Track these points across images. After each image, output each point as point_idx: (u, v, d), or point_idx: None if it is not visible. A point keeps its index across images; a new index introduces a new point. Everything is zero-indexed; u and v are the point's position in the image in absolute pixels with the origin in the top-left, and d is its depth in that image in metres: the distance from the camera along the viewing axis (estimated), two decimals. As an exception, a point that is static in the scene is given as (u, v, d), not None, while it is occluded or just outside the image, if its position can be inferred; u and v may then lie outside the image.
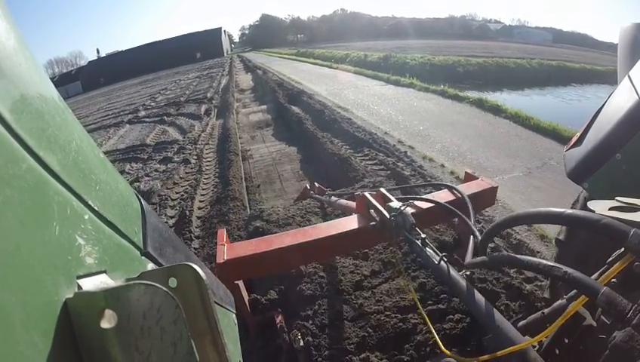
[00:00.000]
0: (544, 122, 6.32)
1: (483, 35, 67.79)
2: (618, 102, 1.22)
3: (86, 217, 0.33)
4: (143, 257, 0.44)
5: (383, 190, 1.52)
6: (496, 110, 7.21)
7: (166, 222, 3.59)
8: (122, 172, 5.54)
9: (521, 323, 0.94)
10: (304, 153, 5.53)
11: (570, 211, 0.73)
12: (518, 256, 0.84)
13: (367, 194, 1.47)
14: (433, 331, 1.04)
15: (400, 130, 6.00)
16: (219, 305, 0.63)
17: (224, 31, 71.24)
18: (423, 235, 1.15)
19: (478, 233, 1.15)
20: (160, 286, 0.31)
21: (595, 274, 0.75)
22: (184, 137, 7.09)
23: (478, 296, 0.92)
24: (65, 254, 0.29)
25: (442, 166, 4.32)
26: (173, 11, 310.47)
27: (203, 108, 10.22)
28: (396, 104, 8.20)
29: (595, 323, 0.72)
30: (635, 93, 1.13)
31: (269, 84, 12.80)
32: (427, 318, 1.10)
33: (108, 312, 0.29)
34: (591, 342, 0.71)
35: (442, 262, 1.03)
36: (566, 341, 0.73)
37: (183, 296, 0.35)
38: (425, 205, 1.51)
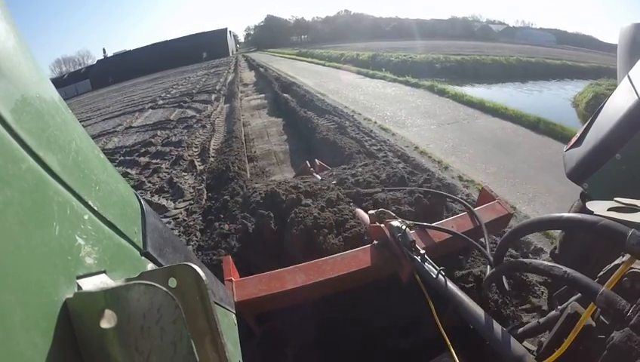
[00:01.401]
0: (475, 98, 8.29)
1: (485, 36, 68.05)
2: (618, 102, 1.22)
3: (86, 217, 0.33)
4: (143, 257, 0.45)
5: (401, 221, 1.40)
6: (442, 92, 9.24)
7: (193, 153, 5.75)
8: (154, 136, 7.69)
9: (519, 331, 0.96)
10: (286, 121, 7.68)
11: (568, 215, 0.74)
12: (519, 260, 0.94)
13: (383, 226, 1.41)
14: (449, 343, 0.99)
15: (357, 105, 8.14)
16: (219, 305, 0.65)
17: (230, 31, 73.65)
18: (422, 251, 1.20)
19: (491, 258, 1.14)
20: (160, 286, 0.31)
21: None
22: (200, 114, 9.29)
23: (477, 307, 0.94)
24: (65, 254, 0.29)
25: (375, 123, 6.44)
26: (177, 10, 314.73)
27: (213, 96, 12.42)
28: (364, 90, 10.34)
29: (594, 324, 0.72)
30: (634, 93, 1.14)
31: (268, 78, 15.01)
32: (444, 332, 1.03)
33: (108, 312, 0.29)
34: (590, 343, 0.70)
35: (440, 276, 1.07)
36: (565, 341, 0.73)
37: (183, 296, 0.35)
38: (441, 235, 1.49)
